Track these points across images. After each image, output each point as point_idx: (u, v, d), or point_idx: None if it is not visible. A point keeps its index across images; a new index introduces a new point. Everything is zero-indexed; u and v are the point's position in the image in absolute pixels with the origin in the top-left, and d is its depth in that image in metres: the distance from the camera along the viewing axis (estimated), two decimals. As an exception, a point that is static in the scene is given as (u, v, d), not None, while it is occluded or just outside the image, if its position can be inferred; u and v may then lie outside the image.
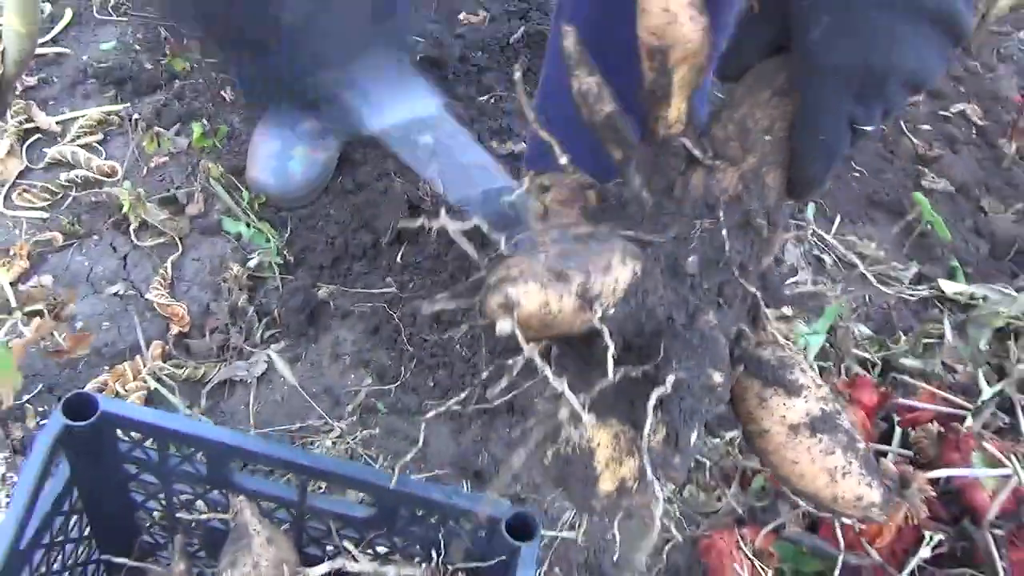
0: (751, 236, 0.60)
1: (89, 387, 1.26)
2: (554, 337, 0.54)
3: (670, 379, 0.53)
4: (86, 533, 0.97)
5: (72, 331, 1.25)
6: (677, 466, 0.54)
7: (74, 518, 0.92)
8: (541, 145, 0.75)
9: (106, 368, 1.29)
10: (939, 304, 1.58)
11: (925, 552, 1.04)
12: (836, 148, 0.58)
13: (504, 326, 0.50)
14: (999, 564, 0.96)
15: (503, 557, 0.84)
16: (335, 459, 1.17)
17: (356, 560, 0.81)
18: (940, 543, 1.05)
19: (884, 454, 1.22)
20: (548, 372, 0.51)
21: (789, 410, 0.60)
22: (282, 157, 1.52)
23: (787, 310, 0.65)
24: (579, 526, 1.22)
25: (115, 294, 1.38)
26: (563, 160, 0.64)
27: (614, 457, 0.55)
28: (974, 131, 1.99)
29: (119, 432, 0.87)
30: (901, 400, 1.18)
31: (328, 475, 0.88)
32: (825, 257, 1.64)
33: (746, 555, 1.15)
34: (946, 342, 1.42)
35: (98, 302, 1.37)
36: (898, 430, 1.25)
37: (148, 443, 0.88)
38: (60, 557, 0.92)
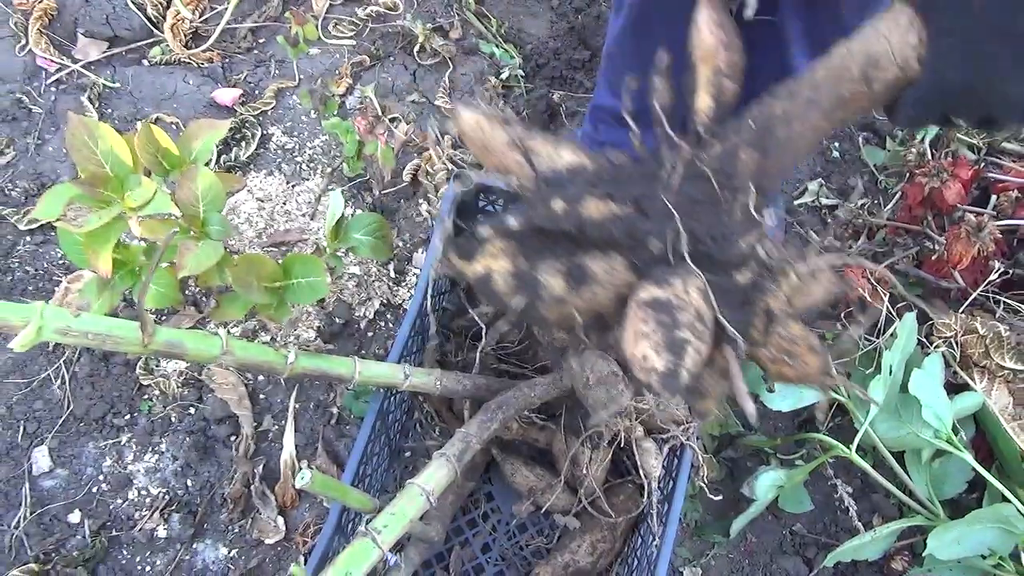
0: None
1: (406, 170, 1.85)
2: None
3: None
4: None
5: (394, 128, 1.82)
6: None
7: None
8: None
9: (415, 155, 1.87)
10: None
11: (993, 277, 1.53)
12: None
13: None
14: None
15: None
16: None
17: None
18: (1004, 272, 1.54)
19: (980, 214, 1.68)
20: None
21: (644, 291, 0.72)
22: None
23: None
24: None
25: (412, 101, 1.94)
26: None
27: None
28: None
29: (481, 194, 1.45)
30: (992, 175, 1.62)
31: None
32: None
33: (868, 281, 1.66)
34: (1047, 128, 1.81)
35: (402, 107, 1.94)
36: (993, 198, 1.70)
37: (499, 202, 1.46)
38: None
